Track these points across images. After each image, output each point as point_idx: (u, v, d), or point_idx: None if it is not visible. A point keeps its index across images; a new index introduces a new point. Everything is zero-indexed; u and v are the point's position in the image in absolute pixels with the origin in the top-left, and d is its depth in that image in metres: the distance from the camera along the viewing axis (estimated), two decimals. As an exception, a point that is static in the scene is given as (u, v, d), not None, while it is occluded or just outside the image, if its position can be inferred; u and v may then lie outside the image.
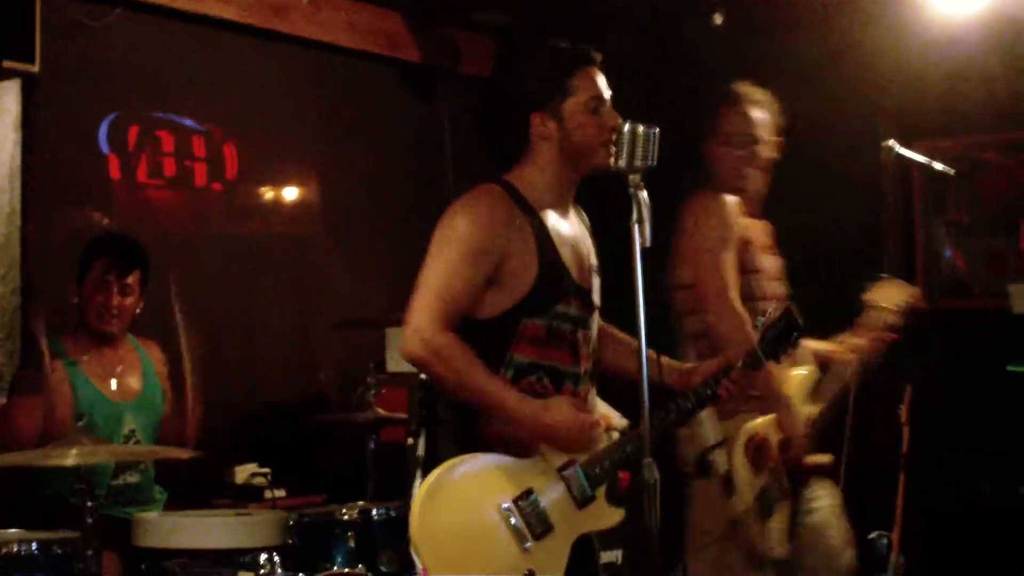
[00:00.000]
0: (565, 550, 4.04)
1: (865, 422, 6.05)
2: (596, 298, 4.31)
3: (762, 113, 5.47)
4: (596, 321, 4.31)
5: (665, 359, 4.35)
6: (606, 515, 4.14)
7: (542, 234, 4.14)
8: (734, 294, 5.16)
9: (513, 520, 3.97)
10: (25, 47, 5.86)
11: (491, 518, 3.97)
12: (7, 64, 5.82)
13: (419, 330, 4.00)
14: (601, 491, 4.12)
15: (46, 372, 5.41)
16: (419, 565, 3.92)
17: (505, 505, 3.98)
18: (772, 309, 4.55)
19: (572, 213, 4.32)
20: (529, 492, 4.02)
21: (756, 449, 4.91)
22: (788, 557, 5.38)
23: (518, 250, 4.09)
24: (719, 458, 4.87)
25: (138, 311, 5.70)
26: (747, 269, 5.34)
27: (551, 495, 4.04)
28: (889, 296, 5.69)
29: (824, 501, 5.61)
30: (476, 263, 4.04)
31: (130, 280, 5.63)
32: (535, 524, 3.99)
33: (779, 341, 4.45)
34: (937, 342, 6.28)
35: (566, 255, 4.19)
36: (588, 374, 4.27)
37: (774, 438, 5.22)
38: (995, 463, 6.62)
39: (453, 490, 3.98)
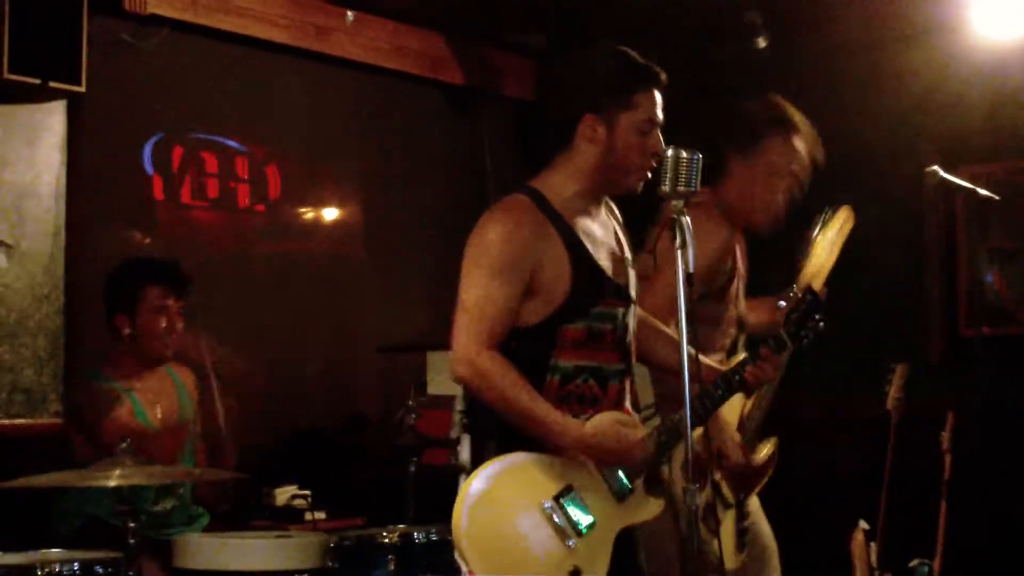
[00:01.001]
0: (608, 545, 4.04)
1: (907, 449, 6.04)
2: (632, 292, 4.29)
3: (804, 146, 5.24)
4: (634, 313, 4.29)
5: (702, 358, 4.38)
6: (646, 507, 4.15)
7: (572, 240, 4.13)
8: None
9: (556, 518, 3.98)
10: (71, 68, 5.89)
11: (534, 517, 3.97)
12: (53, 85, 5.85)
13: (464, 352, 4.01)
14: (639, 483, 4.12)
15: (104, 401, 5.45)
16: (464, 568, 3.91)
17: (547, 504, 3.98)
18: (795, 289, 4.49)
19: (602, 210, 4.31)
20: (569, 488, 4.02)
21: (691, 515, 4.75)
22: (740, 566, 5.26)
23: (550, 259, 4.08)
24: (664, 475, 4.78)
25: None
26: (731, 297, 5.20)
27: (591, 490, 4.05)
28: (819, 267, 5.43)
29: (753, 503, 5.52)
30: (511, 278, 4.04)
31: (180, 303, 5.65)
32: (577, 521, 4.00)
33: (803, 323, 4.38)
34: (979, 369, 6.25)
35: (599, 256, 4.18)
36: (631, 368, 4.27)
37: (706, 451, 5.10)
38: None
39: (494, 491, 3.99)
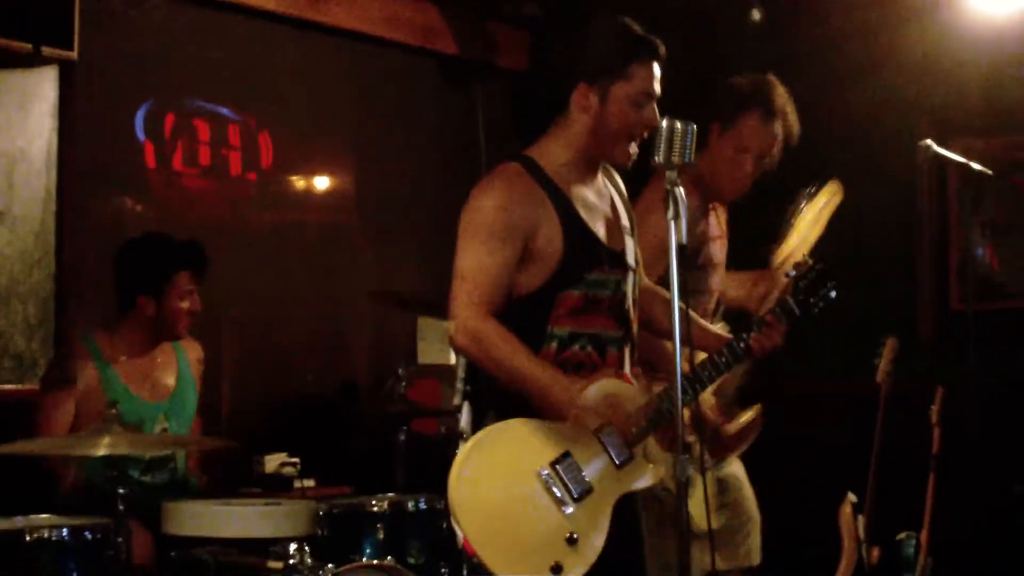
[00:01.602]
0: (607, 511, 4.04)
1: (896, 423, 6.05)
2: (630, 258, 4.29)
3: (781, 130, 5.31)
4: (633, 281, 4.29)
5: (708, 326, 4.39)
6: (645, 473, 4.14)
7: (566, 206, 4.14)
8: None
9: (552, 485, 3.97)
10: (63, 34, 5.89)
11: (530, 484, 3.97)
12: (45, 51, 5.84)
13: (462, 320, 4.03)
14: (639, 450, 4.12)
15: (79, 368, 5.44)
16: (460, 535, 3.91)
17: (544, 471, 3.98)
18: (804, 257, 4.45)
19: (599, 178, 4.31)
20: (566, 455, 4.02)
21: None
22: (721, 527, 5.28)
23: (544, 225, 4.09)
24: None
25: None
26: (699, 264, 5.20)
27: (589, 457, 4.04)
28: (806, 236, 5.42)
29: (739, 472, 5.52)
30: (506, 244, 4.06)
31: (196, 284, 5.65)
32: (574, 488, 3.99)
33: (811, 292, 4.37)
34: (970, 343, 6.25)
35: (594, 223, 4.19)
36: (631, 335, 4.27)
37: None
38: (1026, 465, 6.60)
39: (490, 457, 4.00)
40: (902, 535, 6.11)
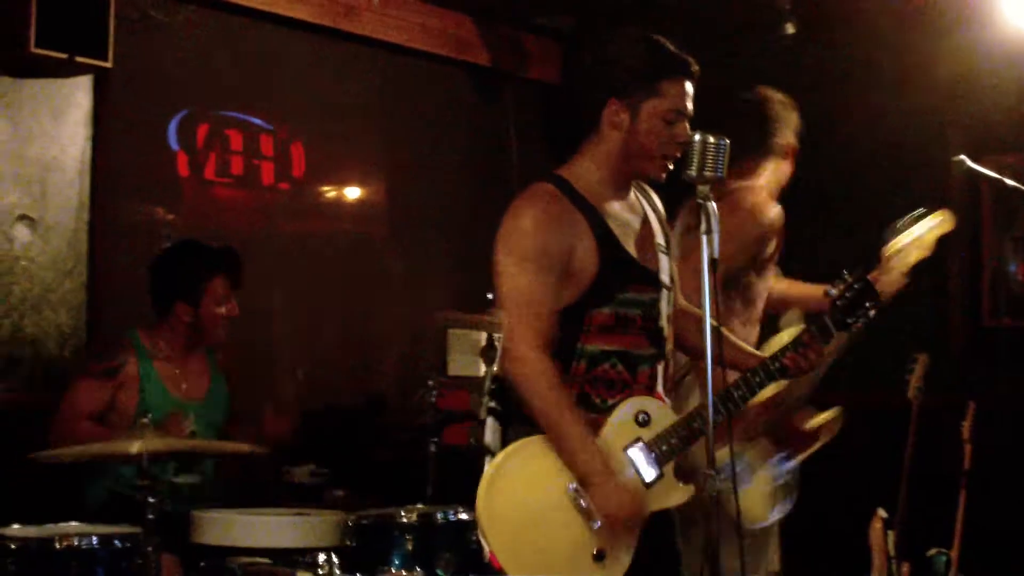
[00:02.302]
0: (635, 529, 4.02)
1: (927, 439, 6.03)
2: (665, 277, 4.25)
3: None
4: (667, 299, 4.25)
5: (742, 344, 4.40)
6: (675, 493, 4.11)
7: (600, 225, 4.12)
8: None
9: (580, 501, 3.96)
10: (98, 43, 5.90)
11: (557, 499, 3.97)
12: (80, 60, 5.86)
13: (516, 352, 4.03)
14: (669, 468, 4.09)
15: (122, 361, 5.47)
16: (486, 548, 3.92)
17: (572, 486, 3.97)
18: (847, 274, 4.38)
19: (632, 196, 4.29)
20: None
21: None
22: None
23: (579, 245, 4.08)
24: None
25: None
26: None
27: (617, 474, 4.02)
28: (909, 251, 5.45)
29: None
30: (547, 267, 4.04)
31: (232, 289, 5.68)
32: None
33: (851, 310, 4.31)
34: (1001, 360, 6.24)
35: (627, 241, 4.17)
36: (664, 353, 4.23)
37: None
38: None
39: (519, 472, 4.00)
40: (932, 551, 6.09)
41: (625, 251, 4.16)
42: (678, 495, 4.12)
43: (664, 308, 4.23)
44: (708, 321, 3.80)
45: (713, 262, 3.82)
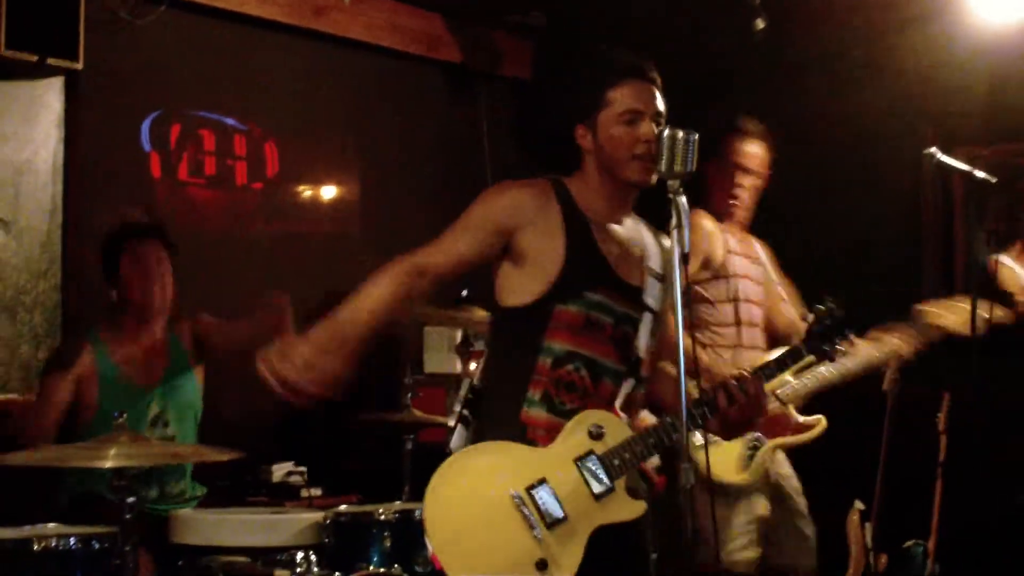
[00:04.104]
0: (581, 541, 3.97)
1: (903, 431, 6.05)
2: (651, 301, 4.22)
3: (761, 148, 5.90)
4: (649, 323, 4.21)
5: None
6: (625, 508, 4.06)
7: (579, 224, 4.13)
8: None
9: (523, 508, 3.93)
10: (69, 44, 5.89)
11: (500, 506, 3.93)
12: (51, 61, 5.84)
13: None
14: (621, 483, 4.06)
15: (77, 352, 5.47)
16: (430, 549, 3.92)
17: (515, 493, 3.94)
18: (827, 301, 4.39)
19: (630, 220, 4.29)
20: (542, 481, 3.98)
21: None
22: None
23: (538, 230, 4.09)
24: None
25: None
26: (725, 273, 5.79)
27: (565, 485, 3.99)
28: (950, 319, 5.85)
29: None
30: (474, 236, 4.12)
31: (160, 253, 5.65)
32: (546, 513, 3.95)
33: (826, 337, 4.32)
34: (975, 350, 6.25)
35: (607, 248, 4.16)
36: (636, 375, 4.19)
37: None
38: (1031, 472, 6.60)
39: (464, 478, 3.98)
40: (909, 543, 6.11)
41: (600, 255, 4.15)
42: (628, 510, 4.07)
43: (644, 331, 4.20)
44: (680, 315, 3.80)
45: (684, 256, 3.82)
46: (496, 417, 4.11)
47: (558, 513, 3.97)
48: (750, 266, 5.92)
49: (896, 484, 6.08)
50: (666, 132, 3.89)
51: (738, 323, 5.81)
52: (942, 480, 6.08)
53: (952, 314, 5.80)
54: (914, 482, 6.11)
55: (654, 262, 4.28)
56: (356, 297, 4.18)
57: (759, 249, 6.04)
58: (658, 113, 4.17)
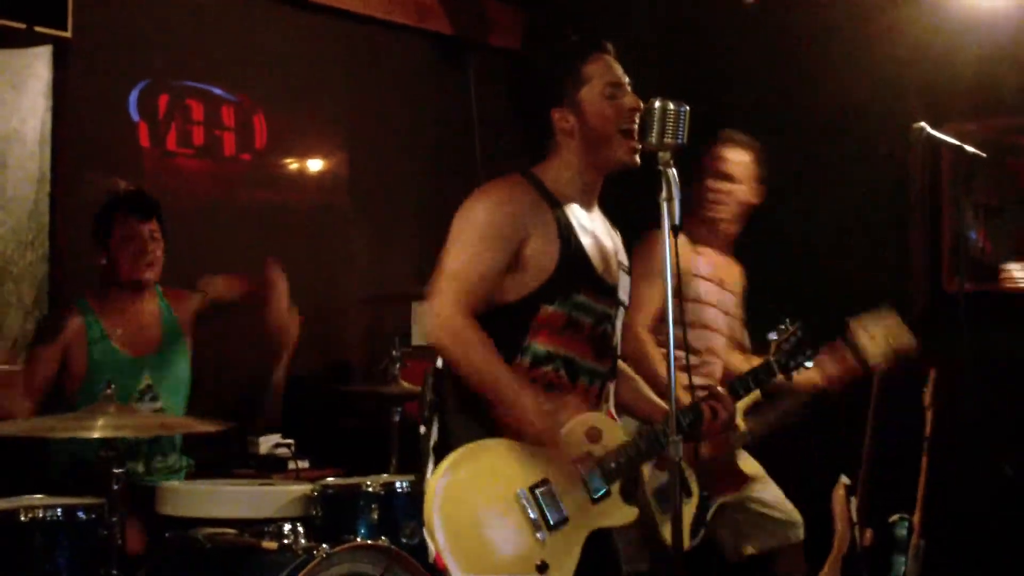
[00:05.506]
0: (578, 543, 3.99)
1: (889, 405, 6.06)
2: (624, 295, 4.27)
3: (748, 158, 5.75)
4: (621, 318, 4.27)
5: (646, 391, 4.44)
6: (620, 512, 4.09)
7: (564, 223, 4.10)
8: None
9: (528, 509, 3.93)
10: (57, 13, 5.87)
11: (506, 505, 3.92)
12: (39, 30, 5.83)
13: (444, 317, 3.95)
14: (616, 487, 4.08)
15: (63, 321, 5.46)
16: (431, 548, 3.89)
17: (522, 493, 3.94)
18: (788, 323, 4.54)
19: (596, 211, 4.29)
20: (545, 481, 3.97)
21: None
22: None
23: (539, 235, 4.05)
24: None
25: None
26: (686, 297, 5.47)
27: (567, 486, 4.00)
28: (879, 336, 5.66)
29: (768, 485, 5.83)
30: (496, 247, 4.01)
31: (153, 227, 5.64)
32: (550, 515, 3.94)
33: (794, 353, 4.47)
34: (962, 325, 6.26)
35: (589, 246, 4.15)
36: (609, 372, 4.23)
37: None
38: (1017, 445, 6.61)
39: (469, 475, 3.95)
40: (895, 517, 6.12)
41: (586, 254, 4.14)
42: (621, 515, 4.10)
43: (618, 325, 4.24)
44: (670, 287, 3.80)
45: (675, 228, 3.82)
46: (468, 412, 4.06)
47: (560, 515, 3.97)
48: (719, 293, 5.75)
49: (882, 459, 6.09)
50: (656, 103, 3.89)
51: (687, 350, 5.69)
52: (928, 455, 6.09)
53: (871, 341, 5.64)
54: (900, 457, 6.12)
55: (622, 255, 4.30)
56: (492, 366, 3.99)
57: (739, 277, 5.90)
58: (629, 83, 4.19)
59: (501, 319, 4.04)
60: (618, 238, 4.37)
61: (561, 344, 4.08)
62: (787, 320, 4.52)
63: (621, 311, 4.25)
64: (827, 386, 5.68)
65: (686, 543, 5.27)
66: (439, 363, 4.13)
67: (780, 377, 4.63)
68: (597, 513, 4.04)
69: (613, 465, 4.07)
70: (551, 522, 3.94)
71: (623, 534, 4.30)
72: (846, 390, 5.74)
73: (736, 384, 4.37)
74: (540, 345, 4.06)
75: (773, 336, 4.48)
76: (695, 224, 5.61)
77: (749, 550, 5.85)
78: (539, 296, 4.06)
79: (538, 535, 3.92)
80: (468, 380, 3.99)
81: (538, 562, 3.90)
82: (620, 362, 4.38)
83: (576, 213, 4.16)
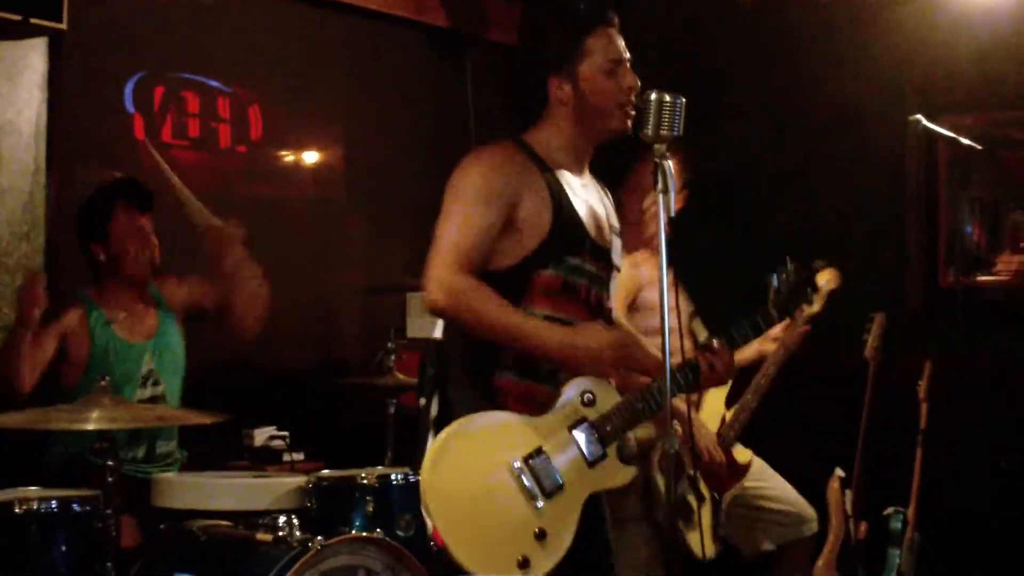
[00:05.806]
0: (577, 508, 4.01)
1: (884, 398, 6.07)
2: (616, 258, 4.29)
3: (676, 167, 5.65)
4: (615, 281, 4.30)
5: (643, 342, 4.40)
6: (618, 473, 4.10)
7: (556, 187, 4.13)
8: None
9: (524, 479, 3.95)
10: (53, 4, 5.85)
11: (502, 477, 3.95)
12: (35, 21, 5.81)
13: (438, 277, 3.97)
14: (612, 449, 4.08)
15: (66, 309, 5.45)
16: (430, 525, 3.92)
17: (516, 464, 3.96)
18: (788, 263, 4.41)
19: (588, 175, 4.31)
20: (539, 450, 3.99)
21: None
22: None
23: (532, 198, 4.08)
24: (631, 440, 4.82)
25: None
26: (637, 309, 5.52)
27: (562, 453, 4.01)
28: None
29: (772, 480, 5.90)
30: (489, 208, 4.03)
31: (149, 219, 5.64)
32: (546, 483, 3.96)
33: (791, 297, 4.35)
34: (957, 319, 6.27)
35: (580, 210, 4.17)
36: None
37: (685, 449, 5.31)
38: (1012, 439, 6.63)
39: (463, 448, 3.97)
40: (889, 510, 6.13)
41: (579, 217, 4.16)
42: (621, 476, 4.11)
43: (612, 289, 4.27)
44: (665, 279, 3.80)
45: (670, 220, 3.83)
46: (467, 385, 4.11)
47: (556, 482, 3.98)
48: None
49: (877, 452, 6.09)
50: (652, 95, 3.89)
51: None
52: (923, 448, 6.10)
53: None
54: (895, 450, 6.13)
55: (614, 219, 4.31)
56: (499, 307, 4.01)
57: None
58: (629, 59, 4.21)
59: (497, 285, 4.04)
60: (609, 201, 4.40)
61: (558, 308, 4.10)
62: (788, 262, 4.43)
63: (615, 274, 4.28)
64: (784, 351, 5.79)
65: (710, 550, 5.39)
66: (438, 333, 4.14)
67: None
68: (594, 476, 4.06)
69: (609, 427, 4.07)
70: (547, 490, 3.96)
71: (638, 548, 4.37)
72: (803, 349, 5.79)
73: (733, 333, 4.35)
74: (538, 309, 4.08)
75: (773, 280, 4.41)
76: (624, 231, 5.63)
77: (766, 546, 5.87)
78: (534, 260, 4.08)
79: (536, 504, 3.94)
80: (480, 330, 4.01)
81: (536, 530, 3.92)
82: (617, 317, 4.40)
83: (567, 178, 4.18)
